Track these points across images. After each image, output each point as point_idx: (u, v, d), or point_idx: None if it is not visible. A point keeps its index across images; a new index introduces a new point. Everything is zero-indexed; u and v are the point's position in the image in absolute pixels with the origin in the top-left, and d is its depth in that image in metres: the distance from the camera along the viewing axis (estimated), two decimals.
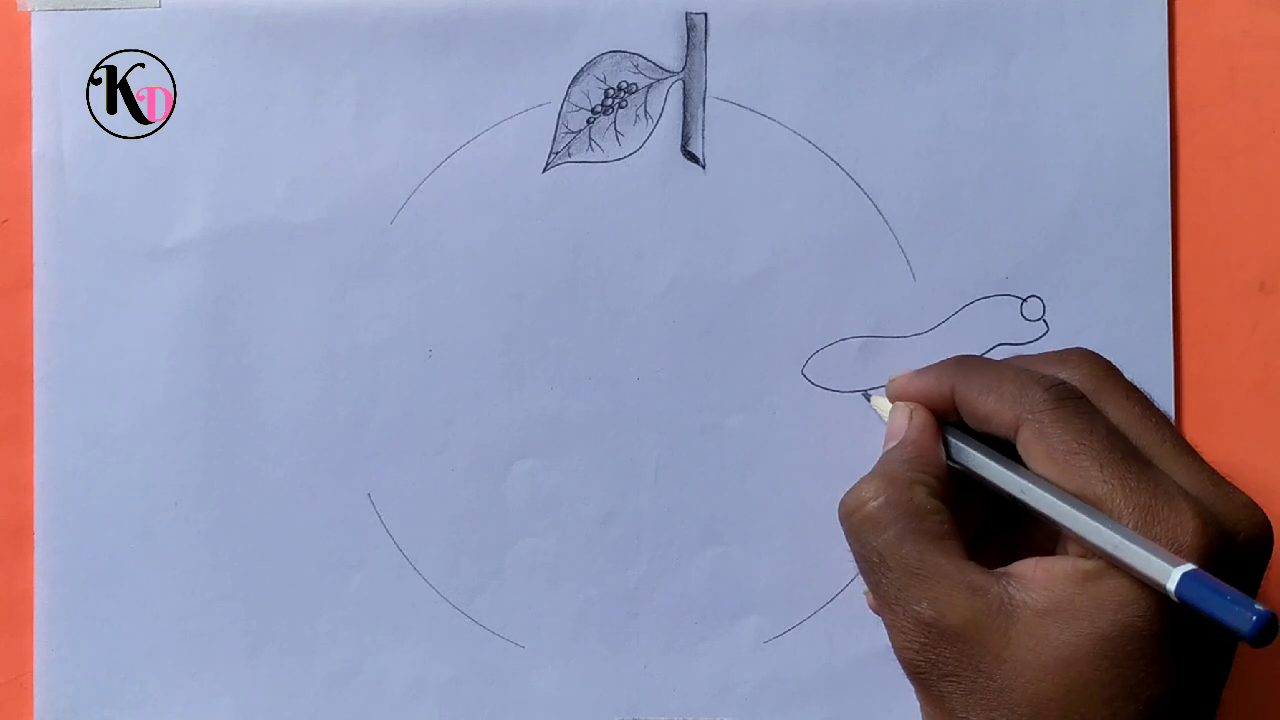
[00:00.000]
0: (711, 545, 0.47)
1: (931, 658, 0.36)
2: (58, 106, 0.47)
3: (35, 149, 0.47)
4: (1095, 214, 0.47)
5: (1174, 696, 0.34)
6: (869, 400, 0.46)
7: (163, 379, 0.47)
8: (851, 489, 0.39)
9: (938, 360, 0.44)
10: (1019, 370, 0.39)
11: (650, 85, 0.48)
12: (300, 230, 0.48)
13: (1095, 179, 0.47)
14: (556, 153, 0.48)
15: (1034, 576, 0.36)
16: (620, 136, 0.48)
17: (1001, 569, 0.36)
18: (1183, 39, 0.47)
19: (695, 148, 0.47)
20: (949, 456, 0.40)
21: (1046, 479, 0.37)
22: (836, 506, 0.46)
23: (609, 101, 0.48)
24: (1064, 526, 0.36)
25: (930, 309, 0.47)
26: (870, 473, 0.39)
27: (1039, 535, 0.39)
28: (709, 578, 0.47)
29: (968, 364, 0.41)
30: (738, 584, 0.47)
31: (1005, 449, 0.38)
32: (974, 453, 0.39)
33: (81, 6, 0.47)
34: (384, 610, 0.47)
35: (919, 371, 0.41)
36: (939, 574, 0.36)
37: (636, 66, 0.47)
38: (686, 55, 0.47)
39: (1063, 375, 0.38)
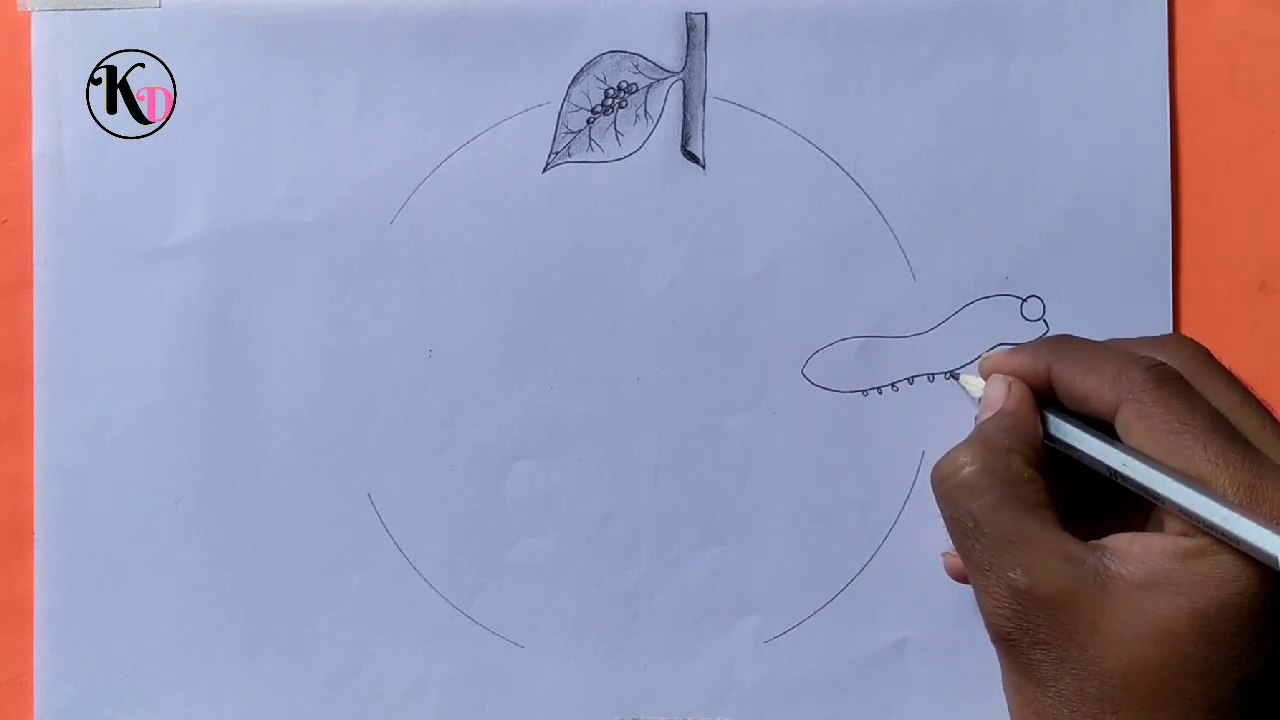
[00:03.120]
0: (711, 545, 0.47)
1: (1023, 625, 0.36)
2: (58, 106, 0.47)
3: (35, 149, 0.47)
4: (1095, 214, 0.47)
5: (1267, 675, 0.35)
6: (958, 380, 0.46)
7: (163, 379, 0.47)
8: (946, 455, 0.39)
9: (937, 359, 0.44)
10: (1118, 351, 0.39)
11: (650, 85, 0.48)
12: (300, 230, 0.48)
13: (1095, 179, 0.47)
14: (556, 153, 0.48)
15: (1130, 550, 0.36)
16: (620, 136, 0.48)
17: (1095, 542, 0.36)
18: (1183, 39, 0.47)
19: (695, 148, 0.47)
20: (1044, 433, 0.40)
21: (1149, 456, 0.37)
22: (836, 505, 0.46)
23: (609, 101, 0.48)
24: (1168, 500, 0.36)
25: (930, 309, 0.47)
26: (966, 439, 0.39)
27: (1125, 518, 0.39)
28: (709, 578, 0.47)
29: (1065, 343, 0.41)
30: (738, 584, 0.47)
31: (1100, 430, 0.39)
32: (1072, 428, 0.39)
33: (81, 6, 0.47)
34: (384, 610, 0.47)
35: (1014, 349, 0.41)
36: (1035, 542, 0.36)
37: (636, 66, 0.47)
38: (686, 55, 0.47)
39: (1161, 359, 0.38)
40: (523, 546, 0.48)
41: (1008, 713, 0.39)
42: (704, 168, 0.47)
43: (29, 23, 0.47)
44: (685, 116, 0.47)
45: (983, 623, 0.38)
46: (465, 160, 0.48)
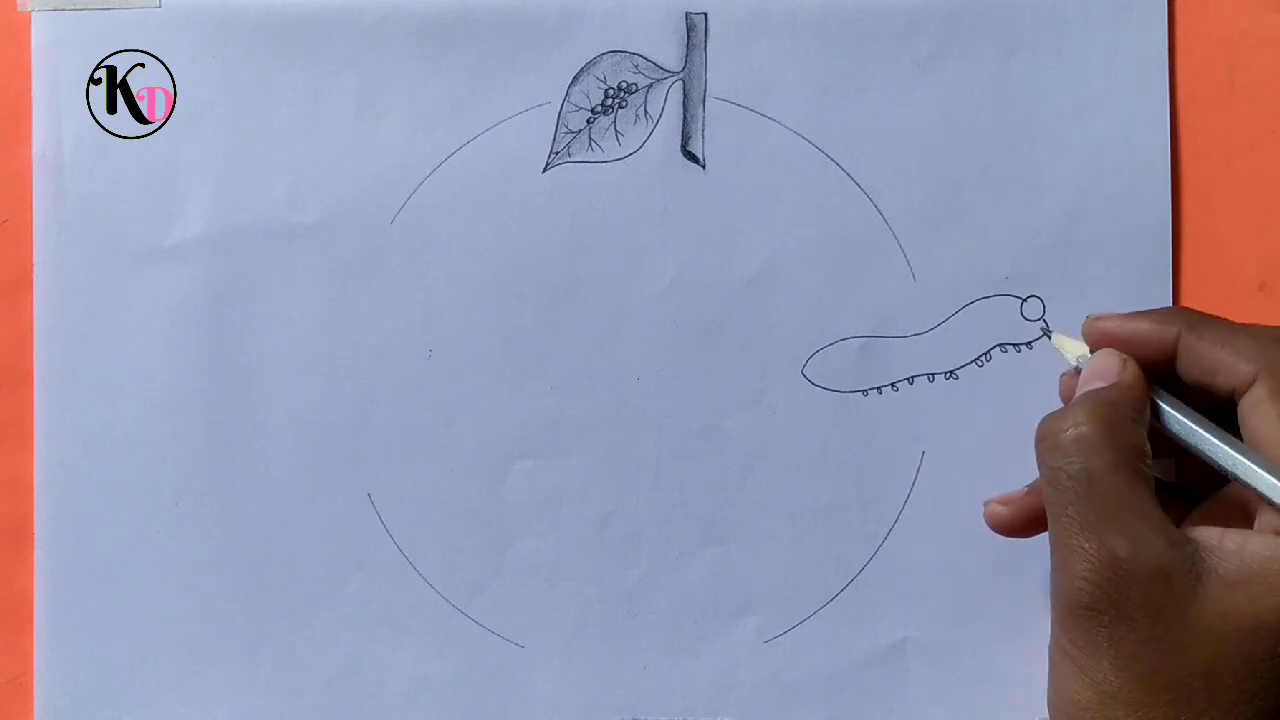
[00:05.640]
0: (711, 545, 0.47)
1: (1112, 595, 0.35)
2: (58, 106, 0.47)
3: (35, 149, 0.47)
4: (1095, 214, 0.47)
5: None
6: (1050, 338, 0.45)
7: (163, 379, 0.47)
8: (1058, 413, 0.38)
9: (937, 359, 0.44)
10: (1256, 328, 0.38)
11: (650, 85, 0.48)
12: (300, 230, 0.48)
13: (1095, 179, 0.47)
14: (556, 153, 0.48)
15: (1222, 545, 0.36)
16: (620, 136, 0.48)
17: (1187, 534, 0.36)
18: (1183, 39, 0.47)
19: (695, 148, 0.47)
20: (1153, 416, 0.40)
21: (1267, 443, 0.36)
22: (836, 505, 0.46)
23: (609, 101, 0.48)
24: (1273, 501, 0.36)
25: (930, 309, 0.47)
26: (1080, 402, 0.38)
27: (1203, 515, 0.39)
28: (709, 578, 0.47)
29: (1198, 314, 0.40)
30: (738, 584, 0.47)
31: (1208, 414, 0.38)
32: (1180, 416, 0.39)
33: (81, 6, 0.47)
34: (384, 610, 0.47)
35: (1133, 314, 0.41)
36: (1145, 515, 0.36)
37: (636, 66, 0.47)
38: (686, 55, 0.47)
39: None
40: (523, 546, 0.48)
41: (1048, 692, 0.38)
42: (704, 168, 0.47)
43: (29, 23, 0.47)
44: (685, 116, 0.47)
45: (1055, 591, 0.37)
46: (465, 160, 0.48)
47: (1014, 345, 0.47)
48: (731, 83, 0.47)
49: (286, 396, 0.47)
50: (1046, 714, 0.46)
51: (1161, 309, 0.41)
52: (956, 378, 0.47)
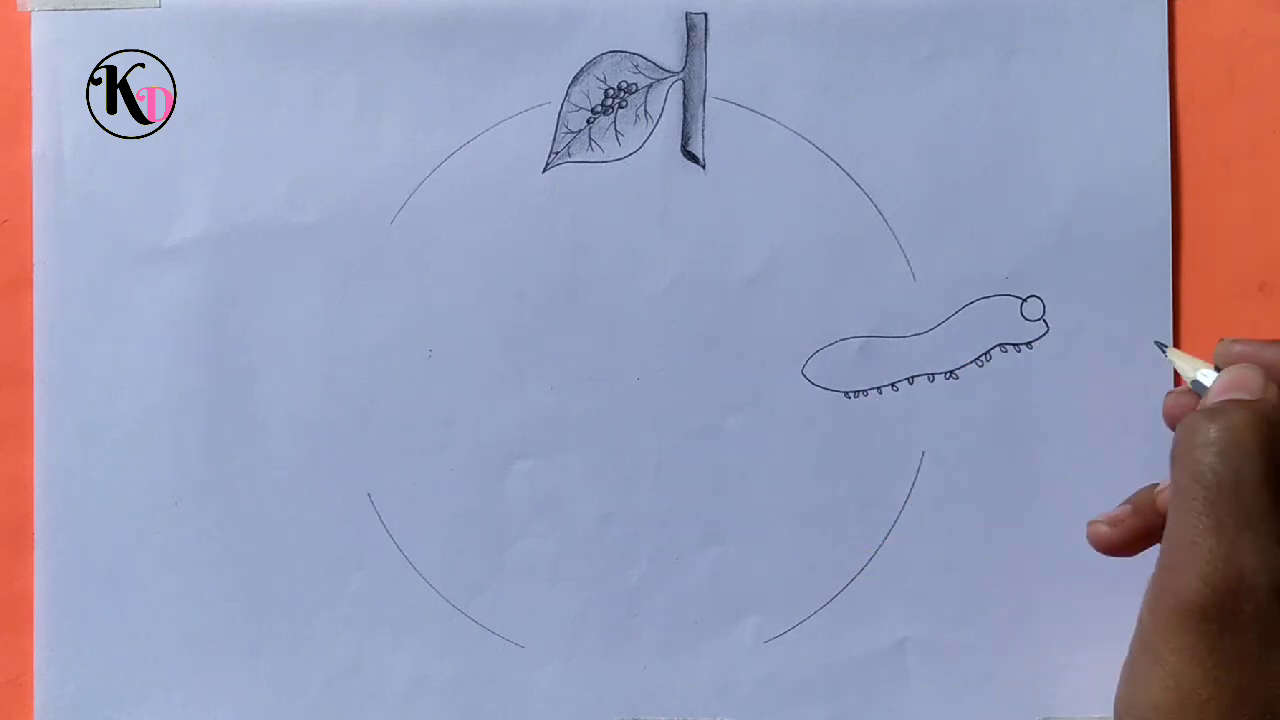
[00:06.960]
0: (711, 545, 0.47)
1: (1228, 604, 0.34)
2: (58, 106, 0.47)
3: (35, 149, 0.47)
4: (1095, 214, 0.47)
5: None
6: (1164, 352, 0.44)
7: (163, 379, 0.47)
8: (1206, 412, 0.36)
9: (937, 359, 0.44)
10: None
11: (650, 85, 0.48)
12: (300, 230, 0.48)
13: (1095, 179, 0.47)
14: (556, 153, 0.48)
15: None
16: (620, 136, 0.48)
17: None
18: (1183, 39, 0.47)
19: (695, 148, 0.47)
20: None
21: None
22: (836, 505, 0.46)
23: (609, 101, 0.48)
24: None
25: (930, 309, 0.47)
26: (1228, 405, 0.36)
27: None
28: (709, 578, 0.47)
29: None
30: (738, 584, 0.47)
31: None
32: None
33: (81, 6, 0.47)
34: (384, 610, 0.47)
35: (1269, 341, 0.39)
36: None
37: (636, 66, 0.47)
38: (686, 55, 0.47)
39: None
40: (523, 546, 0.48)
41: (1121, 690, 0.36)
42: (704, 168, 0.47)
43: (29, 23, 0.47)
44: (685, 116, 0.47)
45: (1162, 589, 0.35)
46: (465, 160, 0.48)
47: (1014, 345, 0.47)
48: (731, 83, 0.47)
49: (286, 396, 0.47)
50: (1050, 715, 0.46)
51: None
52: (957, 378, 0.47)
